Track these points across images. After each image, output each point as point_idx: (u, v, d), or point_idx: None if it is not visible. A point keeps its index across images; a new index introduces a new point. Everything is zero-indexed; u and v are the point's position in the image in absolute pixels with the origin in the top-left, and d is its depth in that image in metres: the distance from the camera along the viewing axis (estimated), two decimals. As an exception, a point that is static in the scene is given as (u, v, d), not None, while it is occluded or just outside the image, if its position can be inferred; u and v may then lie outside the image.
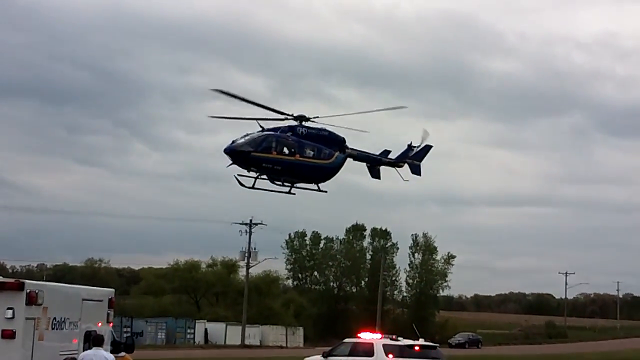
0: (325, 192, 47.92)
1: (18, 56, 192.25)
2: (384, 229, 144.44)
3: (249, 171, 46.26)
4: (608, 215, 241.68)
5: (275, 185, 47.13)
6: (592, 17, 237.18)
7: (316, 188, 47.83)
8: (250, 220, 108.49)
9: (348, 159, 48.54)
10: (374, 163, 49.84)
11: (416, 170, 50.20)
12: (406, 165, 50.45)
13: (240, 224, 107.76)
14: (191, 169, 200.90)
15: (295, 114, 46.38)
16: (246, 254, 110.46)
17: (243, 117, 45.65)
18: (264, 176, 46.65)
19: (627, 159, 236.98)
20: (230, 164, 45.68)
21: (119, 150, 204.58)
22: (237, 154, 45.22)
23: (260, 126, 45.95)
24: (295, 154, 45.87)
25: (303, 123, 46.69)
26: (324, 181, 47.74)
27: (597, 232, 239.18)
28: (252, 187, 46.72)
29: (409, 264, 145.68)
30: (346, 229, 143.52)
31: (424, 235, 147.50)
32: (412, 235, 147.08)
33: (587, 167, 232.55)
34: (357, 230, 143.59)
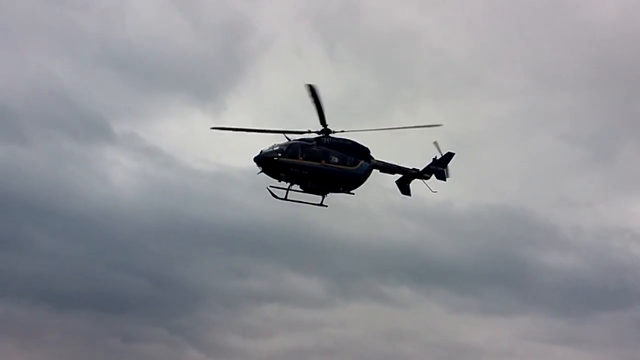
0: (353, 194, 49.33)
1: (76, 267, 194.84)
2: None
3: (279, 180, 48.43)
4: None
5: (306, 197, 48.79)
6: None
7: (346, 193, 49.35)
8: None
9: (375, 170, 50.36)
10: (400, 174, 51.66)
11: (441, 176, 52.10)
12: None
13: None
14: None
15: (317, 130, 48.77)
16: None
17: (250, 128, 48.29)
18: (295, 186, 48.56)
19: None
20: (260, 172, 48.04)
21: (174, 358, 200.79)
22: (266, 160, 47.77)
23: (287, 138, 48.55)
24: (320, 160, 48.23)
25: (329, 135, 49.02)
26: (352, 188, 49.79)
27: None
28: (285, 199, 48.48)
29: None
30: None
31: None
32: None
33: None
34: None
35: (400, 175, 52.33)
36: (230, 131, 49.14)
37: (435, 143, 51.71)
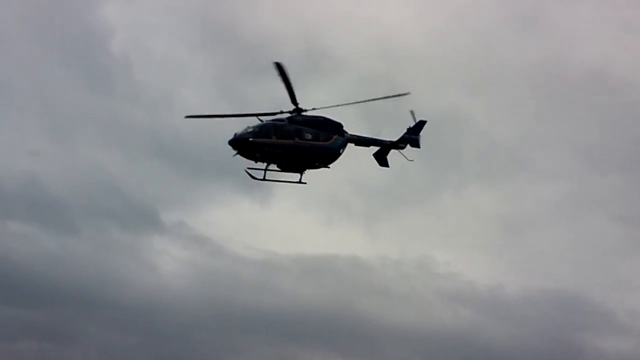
0: (329, 168, 50.50)
1: (125, 357, 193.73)
2: None
3: (255, 161, 49.80)
4: None
5: (284, 176, 50.05)
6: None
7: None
8: None
9: (349, 144, 51.53)
10: (375, 146, 52.77)
11: (415, 144, 53.18)
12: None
13: None
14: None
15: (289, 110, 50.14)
16: None
17: (222, 114, 49.50)
18: (273, 166, 49.92)
19: None
20: (235, 154, 49.47)
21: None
22: (240, 142, 49.27)
23: (259, 119, 50.04)
24: (293, 138, 49.66)
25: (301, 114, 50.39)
26: (328, 162, 51.09)
27: None
28: (264, 179, 49.82)
29: None
30: None
31: None
32: None
33: None
34: None
35: (376, 148, 53.37)
36: (205, 118, 49.86)
37: (412, 112, 52.89)
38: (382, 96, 49.52)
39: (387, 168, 53.22)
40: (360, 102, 50.04)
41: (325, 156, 50.48)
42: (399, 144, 52.95)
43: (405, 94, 49.95)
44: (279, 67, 46.31)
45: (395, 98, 49.75)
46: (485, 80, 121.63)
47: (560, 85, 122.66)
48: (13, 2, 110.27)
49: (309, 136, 50.00)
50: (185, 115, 50.34)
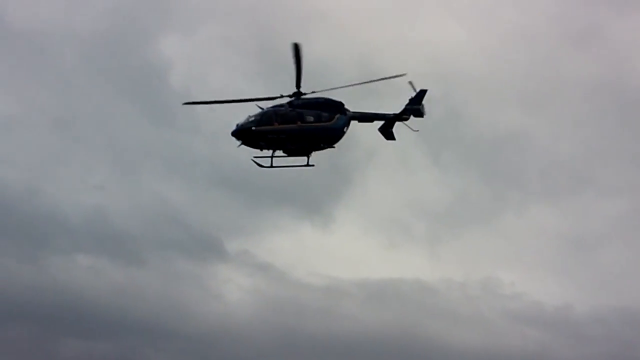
0: (334, 147, 50.88)
1: None
2: None
3: (260, 149, 50.57)
4: None
5: (291, 160, 50.74)
6: None
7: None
8: None
9: (353, 121, 51.92)
10: (379, 120, 53.06)
11: (417, 113, 53.22)
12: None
13: None
14: None
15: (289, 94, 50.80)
16: None
17: (221, 100, 50.93)
18: (279, 152, 50.64)
19: None
20: (240, 144, 50.34)
21: None
22: (243, 132, 50.21)
23: (260, 107, 50.89)
24: (295, 122, 50.27)
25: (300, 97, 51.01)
26: (332, 142, 51.56)
27: None
28: (271, 166, 50.54)
29: None
30: None
31: None
32: None
33: None
34: None
35: (380, 123, 53.54)
36: (203, 104, 52.71)
37: (410, 83, 52.99)
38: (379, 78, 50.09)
39: (394, 141, 53.50)
40: (359, 83, 50.27)
41: (329, 137, 50.95)
42: (402, 116, 53.11)
43: (402, 75, 50.88)
44: (296, 48, 46.94)
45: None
46: (544, 97, 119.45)
47: (622, 99, 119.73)
48: (74, 39, 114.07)
49: (311, 118, 50.50)
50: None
